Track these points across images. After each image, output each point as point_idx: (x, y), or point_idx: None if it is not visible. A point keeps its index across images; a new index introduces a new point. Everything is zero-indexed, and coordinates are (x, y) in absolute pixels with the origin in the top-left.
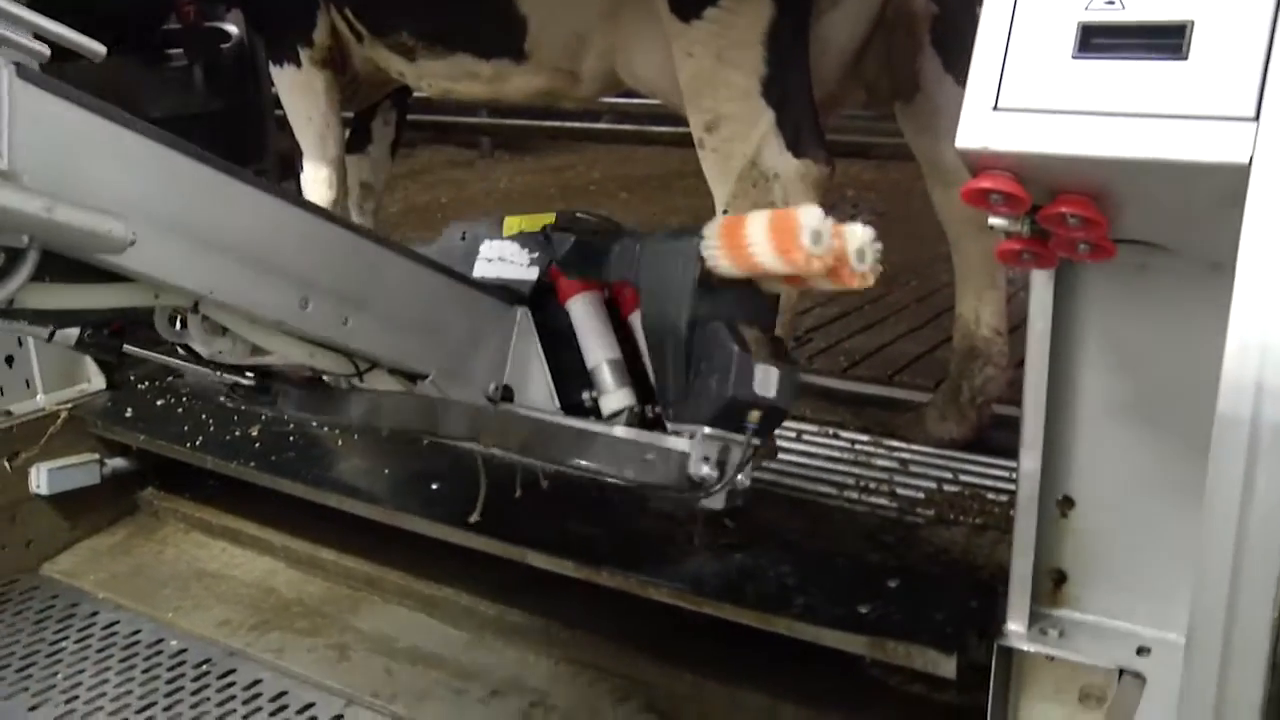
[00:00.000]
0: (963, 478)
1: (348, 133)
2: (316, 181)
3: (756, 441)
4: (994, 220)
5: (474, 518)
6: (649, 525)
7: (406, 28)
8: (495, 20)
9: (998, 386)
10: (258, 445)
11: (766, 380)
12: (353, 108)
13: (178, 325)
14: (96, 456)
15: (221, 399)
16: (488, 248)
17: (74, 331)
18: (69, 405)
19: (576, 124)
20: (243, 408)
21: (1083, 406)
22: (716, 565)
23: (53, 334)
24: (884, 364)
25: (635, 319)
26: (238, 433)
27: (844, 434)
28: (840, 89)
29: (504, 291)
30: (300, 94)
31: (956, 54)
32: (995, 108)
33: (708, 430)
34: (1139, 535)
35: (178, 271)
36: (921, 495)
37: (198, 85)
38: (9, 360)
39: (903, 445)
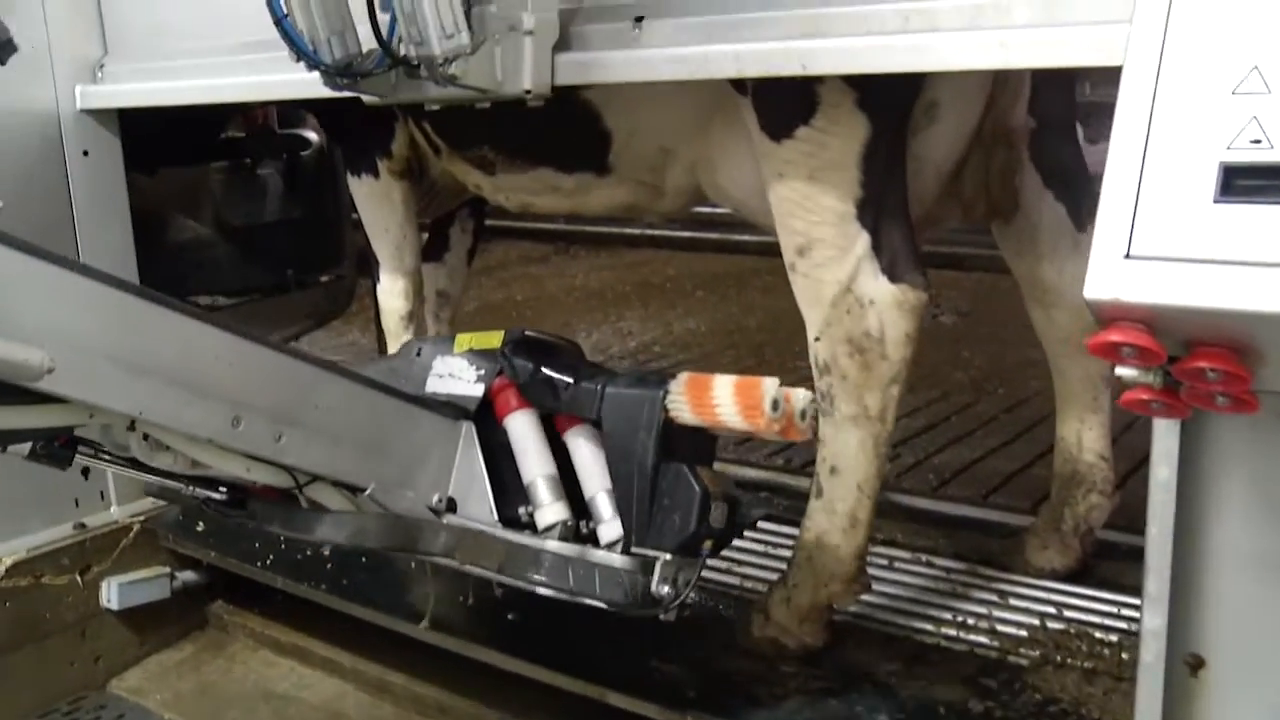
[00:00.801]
0: (1067, 613)
1: (424, 240)
2: (393, 293)
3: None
4: (1122, 371)
5: (424, 625)
6: (736, 665)
7: (487, 142)
8: (580, 135)
9: (1103, 515)
10: (329, 566)
11: (719, 515)
12: (428, 216)
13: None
14: (167, 570)
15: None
16: (439, 364)
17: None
18: (141, 518)
19: (654, 231)
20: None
21: (1214, 558)
22: (810, 712)
23: (4, 448)
24: (976, 482)
25: (570, 437)
26: (309, 551)
27: (937, 561)
28: (936, 209)
29: (449, 407)
30: (377, 205)
31: (1055, 170)
32: (1127, 255)
33: (668, 557)
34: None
35: (102, 395)
36: (1024, 633)
37: (278, 192)
38: (85, 472)
39: (1001, 575)
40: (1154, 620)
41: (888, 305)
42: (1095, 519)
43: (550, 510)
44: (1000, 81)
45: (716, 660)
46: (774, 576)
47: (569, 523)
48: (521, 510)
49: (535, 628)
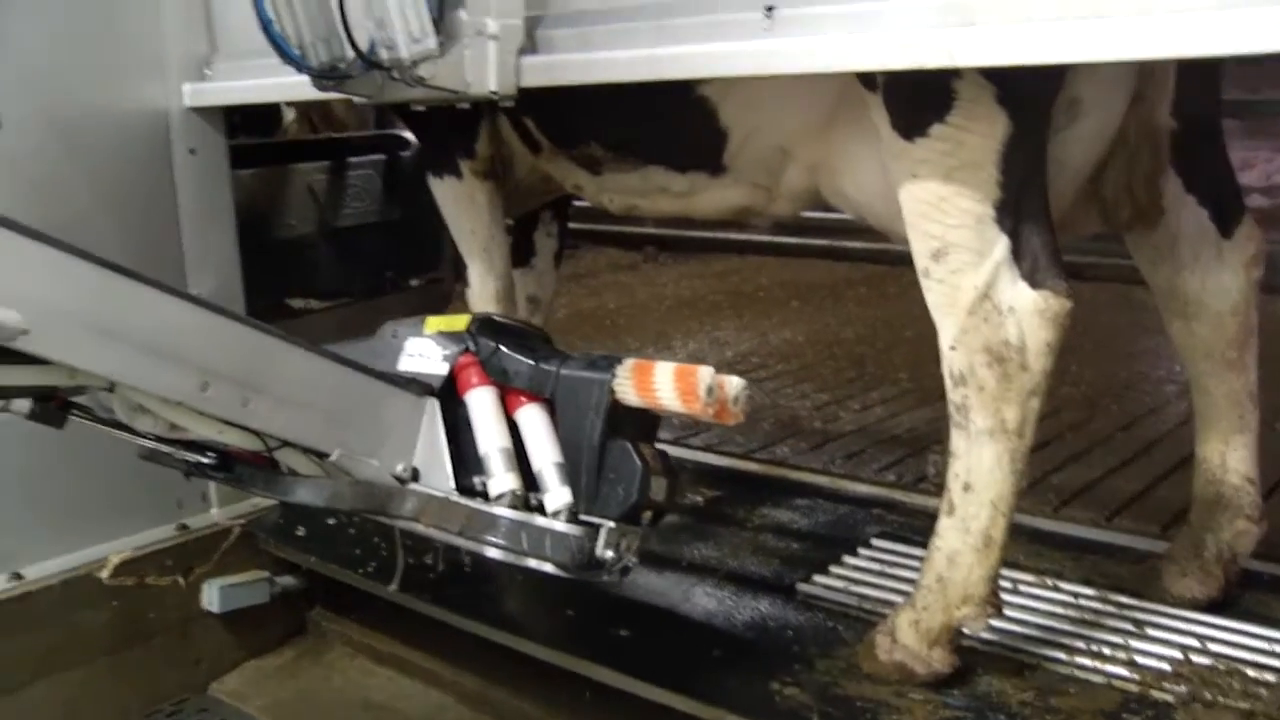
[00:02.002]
0: (1213, 647)
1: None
2: (484, 296)
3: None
4: None
5: (393, 586)
6: (860, 690)
7: (596, 139)
8: (696, 132)
9: (1251, 541)
10: (431, 575)
11: (660, 488)
12: (507, 217)
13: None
14: (267, 574)
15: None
16: (411, 344)
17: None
18: (242, 521)
19: (743, 236)
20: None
21: None
22: None
23: (4, 408)
24: (1097, 503)
25: (522, 414)
26: (410, 560)
27: (1064, 585)
28: (1075, 214)
29: (416, 384)
30: (463, 206)
31: (1198, 174)
32: None
33: (612, 524)
34: None
35: (77, 358)
36: (1166, 666)
37: (375, 193)
38: (187, 474)
39: (1135, 603)
40: None
41: (1028, 313)
42: (1243, 546)
43: (501, 480)
44: (1145, 76)
45: (839, 685)
46: (892, 597)
47: (517, 492)
48: (476, 479)
49: (649, 645)
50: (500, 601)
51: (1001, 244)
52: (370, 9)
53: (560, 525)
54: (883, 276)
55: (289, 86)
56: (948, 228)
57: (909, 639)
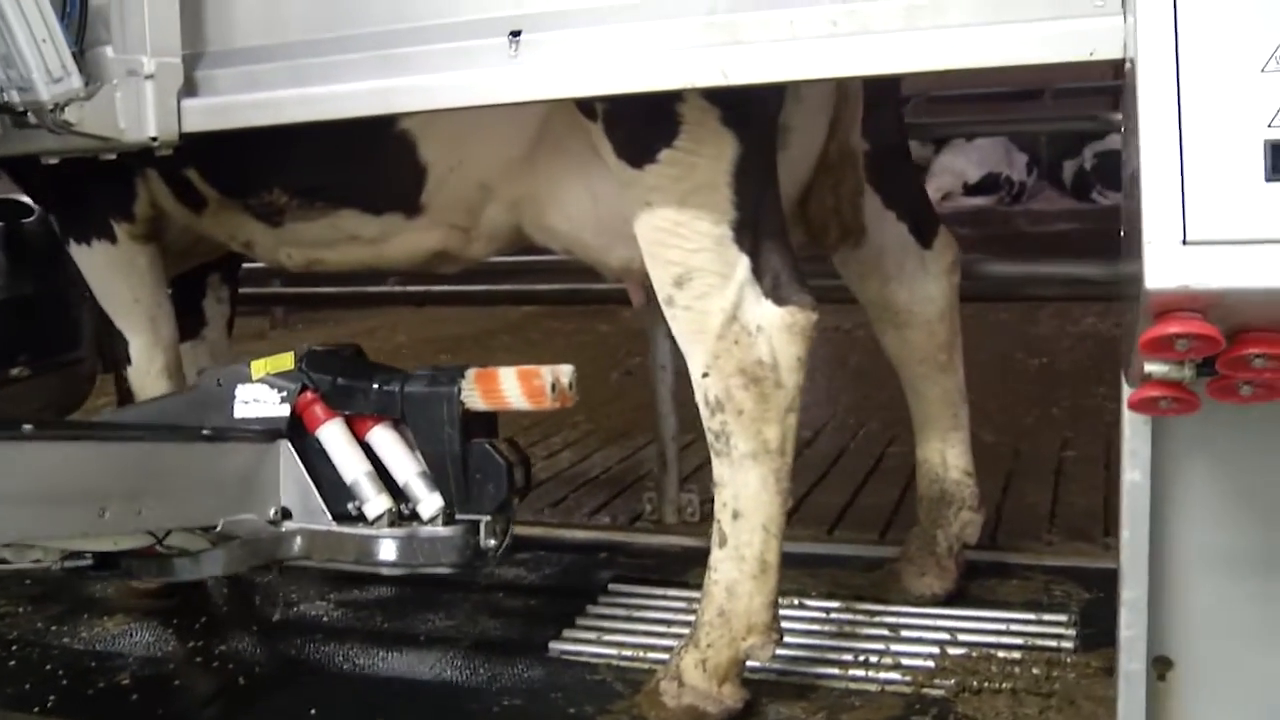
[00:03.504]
0: (962, 637)
1: None
2: (151, 374)
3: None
4: (1153, 367)
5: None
6: None
7: (279, 184)
8: (397, 168)
9: (975, 531)
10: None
11: (520, 475)
12: None
13: None
14: None
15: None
16: (242, 391)
17: None
18: None
19: (380, 288)
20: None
21: (1180, 559)
22: None
23: None
24: (812, 519)
25: (373, 438)
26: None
27: (811, 603)
28: None
29: (262, 432)
30: (119, 274)
31: (895, 192)
32: (1185, 241)
33: (488, 518)
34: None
35: None
36: (930, 664)
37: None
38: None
39: (883, 608)
40: (1132, 627)
41: (777, 329)
42: (969, 535)
43: (376, 502)
44: (840, 101)
45: None
46: (649, 640)
47: (393, 510)
48: (350, 505)
49: None
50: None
51: (743, 264)
52: None
53: (445, 530)
54: (522, 322)
55: None
56: (688, 252)
57: (696, 680)
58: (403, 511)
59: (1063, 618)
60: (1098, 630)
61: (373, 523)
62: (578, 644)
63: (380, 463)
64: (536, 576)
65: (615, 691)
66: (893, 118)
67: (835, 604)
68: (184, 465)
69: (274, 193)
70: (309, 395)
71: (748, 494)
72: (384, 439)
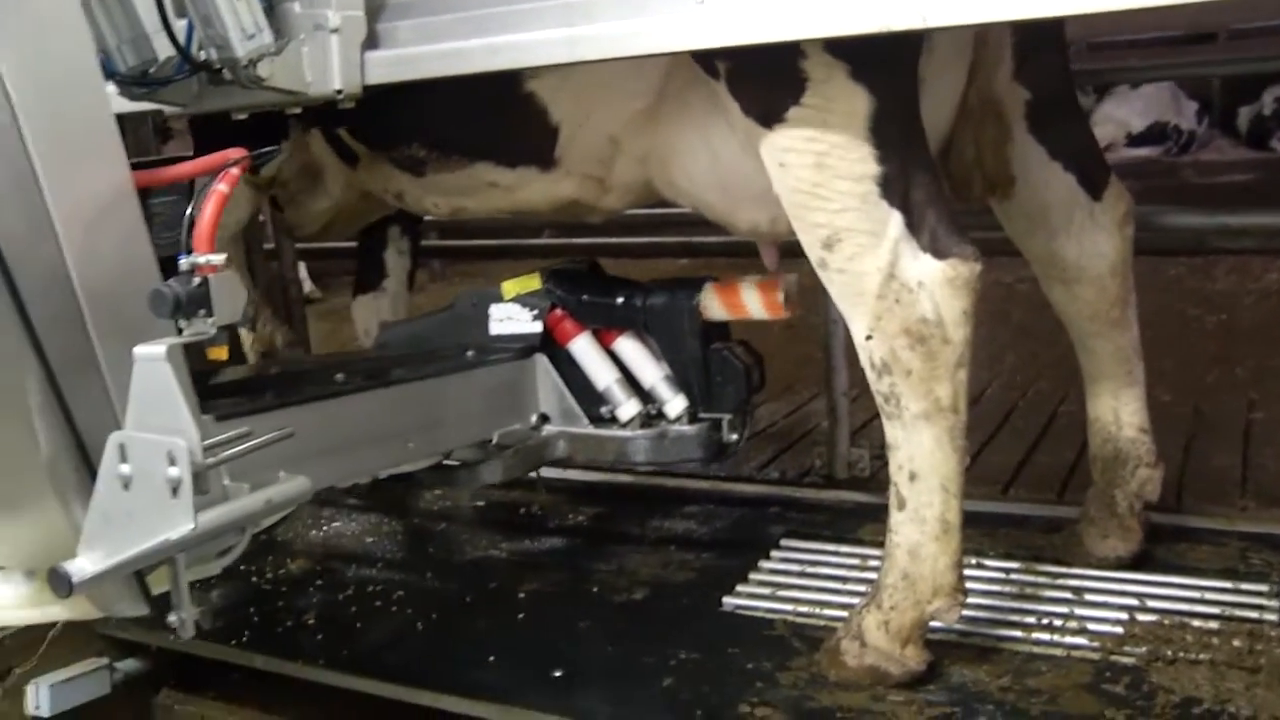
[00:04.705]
0: (1152, 604)
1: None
2: None
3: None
4: None
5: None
6: (836, 700)
7: (419, 139)
8: (526, 122)
9: (1156, 487)
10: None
11: (756, 376)
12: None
13: None
14: (106, 661)
15: None
16: (496, 310)
17: None
18: None
19: (534, 241)
20: None
21: None
22: None
23: None
24: (988, 478)
25: (619, 347)
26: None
27: (989, 563)
28: None
29: (520, 349)
30: None
31: (1060, 141)
32: None
33: (730, 416)
34: None
35: (328, 481)
36: (1119, 630)
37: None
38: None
39: (1065, 570)
40: None
41: (939, 284)
42: (1149, 492)
43: (628, 406)
44: (980, 46)
45: (812, 697)
46: (823, 597)
47: (644, 411)
48: (603, 409)
49: (587, 682)
50: (369, 649)
51: (895, 220)
52: (194, 5)
53: (691, 428)
54: (678, 275)
55: None
56: (832, 214)
57: (879, 641)
58: (650, 413)
59: (1263, 587)
60: None
61: (625, 425)
62: (752, 599)
63: (627, 369)
64: (707, 531)
65: (793, 648)
66: (1057, 64)
67: (1015, 565)
68: (465, 390)
69: (414, 147)
70: (558, 312)
71: (923, 455)
72: (629, 347)
